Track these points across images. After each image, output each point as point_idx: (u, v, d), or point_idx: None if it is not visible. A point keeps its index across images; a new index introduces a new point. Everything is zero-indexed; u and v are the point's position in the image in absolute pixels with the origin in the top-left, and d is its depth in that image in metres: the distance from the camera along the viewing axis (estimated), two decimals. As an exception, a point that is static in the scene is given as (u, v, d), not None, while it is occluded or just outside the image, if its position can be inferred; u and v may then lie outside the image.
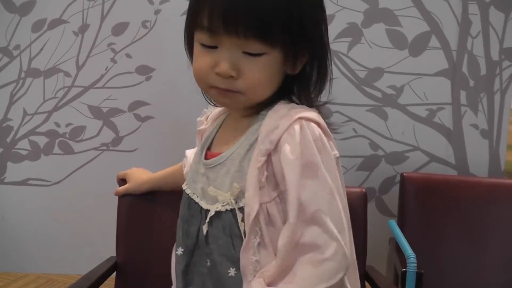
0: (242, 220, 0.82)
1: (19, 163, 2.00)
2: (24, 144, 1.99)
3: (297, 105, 0.84)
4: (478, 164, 1.91)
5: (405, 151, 1.92)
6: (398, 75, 1.89)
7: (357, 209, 1.56)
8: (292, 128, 0.79)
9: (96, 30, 1.92)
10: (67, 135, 1.97)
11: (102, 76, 1.94)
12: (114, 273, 1.31)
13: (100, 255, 1.29)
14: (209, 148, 0.93)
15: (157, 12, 1.90)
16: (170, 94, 1.91)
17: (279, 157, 0.79)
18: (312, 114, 0.81)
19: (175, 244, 0.94)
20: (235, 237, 0.83)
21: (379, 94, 1.90)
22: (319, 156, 0.79)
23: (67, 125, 1.97)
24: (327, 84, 0.88)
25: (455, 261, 1.69)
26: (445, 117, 1.90)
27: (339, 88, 1.86)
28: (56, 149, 1.98)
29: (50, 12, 1.92)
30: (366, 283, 1.37)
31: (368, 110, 1.91)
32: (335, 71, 1.89)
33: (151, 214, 1.18)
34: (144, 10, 1.89)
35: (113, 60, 1.93)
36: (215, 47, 0.81)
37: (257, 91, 0.84)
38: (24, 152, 1.99)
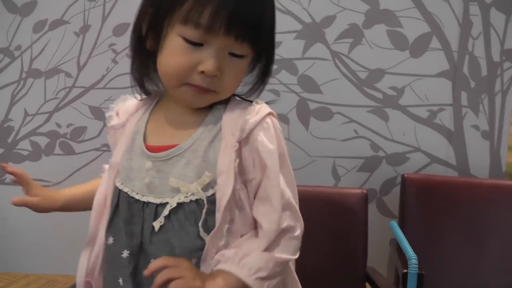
0: (207, 208, 0.82)
1: (20, 163, 1.99)
2: (25, 145, 1.99)
3: (250, 101, 0.89)
4: (479, 165, 1.91)
5: (406, 152, 1.92)
6: (399, 76, 1.89)
7: (358, 211, 1.57)
8: (265, 122, 0.85)
9: (97, 30, 1.92)
10: (68, 136, 1.98)
11: (103, 76, 1.94)
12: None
13: (101, 255, 1.28)
14: (144, 142, 0.89)
15: (158, 13, 1.90)
16: (171, 95, 1.91)
17: (252, 148, 0.84)
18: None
19: (89, 248, 0.92)
20: (200, 226, 0.81)
21: (380, 95, 1.90)
22: (285, 147, 0.87)
23: (68, 125, 1.98)
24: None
25: (456, 262, 1.69)
26: (446, 118, 1.90)
27: (340, 89, 1.88)
28: (57, 150, 1.98)
29: (51, 12, 1.92)
30: (367, 284, 1.38)
31: (369, 111, 1.91)
32: (336, 72, 1.89)
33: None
34: (145, 10, 1.89)
35: (114, 61, 1.93)
36: (200, 45, 0.81)
37: (230, 91, 0.87)
38: (25, 153, 1.99)
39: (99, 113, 1.96)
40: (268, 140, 0.84)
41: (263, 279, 0.79)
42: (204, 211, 0.82)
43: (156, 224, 0.83)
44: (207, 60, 0.80)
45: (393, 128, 1.91)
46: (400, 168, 1.92)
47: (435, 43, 1.86)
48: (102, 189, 0.92)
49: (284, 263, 0.83)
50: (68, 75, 1.95)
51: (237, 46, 0.81)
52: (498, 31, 1.85)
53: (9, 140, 1.99)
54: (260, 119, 0.85)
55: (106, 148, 1.97)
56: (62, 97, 1.96)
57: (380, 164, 1.93)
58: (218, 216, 0.82)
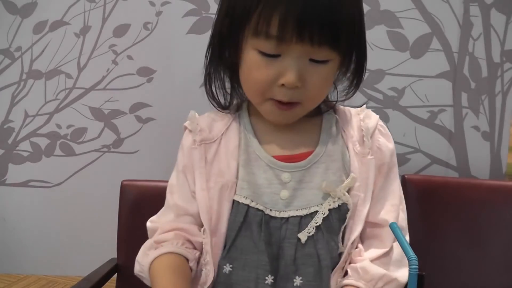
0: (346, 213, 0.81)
1: (20, 164, 2.00)
2: (25, 146, 1.99)
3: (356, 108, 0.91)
4: (480, 166, 1.91)
5: (406, 153, 1.92)
6: (399, 77, 1.88)
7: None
8: (379, 125, 0.89)
9: (97, 31, 1.92)
10: (68, 137, 1.98)
11: (104, 77, 1.94)
12: (115, 275, 1.31)
13: (101, 256, 1.29)
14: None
15: (158, 13, 1.90)
16: (171, 96, 1.91)
17: (374, 150, 0.85)
18: None
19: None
20: (338, 234, 0.81)
21: (380, 96, 1.90)
22: None
23: (69, 126, 1.98)
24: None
25: (456, 264, 1.69)
26: (446, 119, 1.90)
27: (340, 89, 1.87)
28: (57, 151, 1.98)
29: (52, 13, 1.93)
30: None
31: (369, 112, 1.90)
32: (337, 73, 1.89)
33: (152, 216, 1.17)
34: (146, 11, 1.90)
35: (114, 62, 1.93)
36: (277, 56, 0.76)
37: (317, 100, 0.82)
38: (25, 154, 1.99)
39: (99, 114, 1.96)
40: (387, 141, 0.88)
41: None
42: (348, 216, 0.81)
43: (303, 236, 0.80)
44: (286, 72, 0.76)
45: (393, 129, 1.88)
46: (400, 169, 1.88)
47: (435, 44, 1.86)
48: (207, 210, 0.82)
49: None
50: (68, 76, 1.95)
51: (316, 51, 0.75)
52: (499, 32, 1.84)
53: (10, 141, 1.99)
54: (376, 123, 0.88)
55: (106, 149, 1.97)
56: (62, 98, 1.96)
57: (381, 165, 1.92)
58: (358, 222, 0.81)
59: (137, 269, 0.87)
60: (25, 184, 2.00)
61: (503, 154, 1.90)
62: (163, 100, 1.93)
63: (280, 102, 0.79)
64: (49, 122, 1.98)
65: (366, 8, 1.82)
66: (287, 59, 0.76)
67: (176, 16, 1.88)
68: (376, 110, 1.85)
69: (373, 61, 1.87)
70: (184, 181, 0.85)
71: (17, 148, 1.99)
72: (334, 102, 0.89)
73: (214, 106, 0.88)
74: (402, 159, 1.92)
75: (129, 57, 1.93)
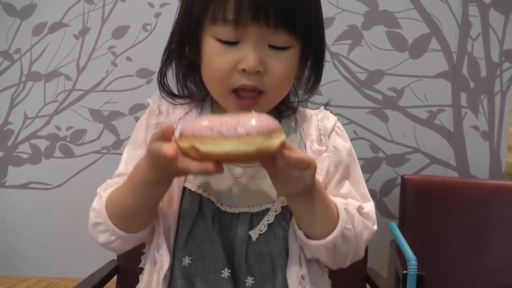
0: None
1: (20, 166, 2.00)
2: (25, 148, 1.99)
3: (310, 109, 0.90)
4: (479, 166, 1.91)
5: (405, 153, 1.92)
6: (398, 77, 1.89)
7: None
8: (336, 126, 0.88)
9: (96, 33, 1.92)
10: (68, 139, 1.98)
11: (103, 79, 1.94)
12: (115, 277, 1.31)
13: (101, 258, 1.29)
14: None
15: (157, 15, 1.90)
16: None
17: (330, 150, 0.85)
18: None
19: (174, 271, 0.81)
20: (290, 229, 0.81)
21: (379, 96, 1.90)
22: None
23: (68, 128, 1.98)
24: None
25: (456, 263, 1.69)
26: (445, 119, 1.90)
27: (339, 90, 1.88)
28: (57, 153, 1.98)
29: (51, 15, 1.93)
30: (367, 285, 1.38)
31: (369, 112, 1.91)
32: (336, 74, 1.90)
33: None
34: (145, 13, 1.90)
35: (113, 64, 1.93)
36: (236, 43, 0.76)
37: (281, 89, 0.80)
38: (25, 156, 1.99)
39: (99, 116, 1.96)
40: (344, 141, 0.87)
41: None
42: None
43: (254, 234, 0.79)
44: (246, 56, 0.75)
45: (392, 129, 1.91)
46: (400, 169, 1.92)
47: (434, 44, 1.86)
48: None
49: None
50: (67, 78, 1.95)
51: (273, 35, 0.75)
52: (497, 32, 1.85)
53: (9, 143, 1.99)
54: (333, 125, 0.87)
55: (105, 151, 1.97)
56: (61, 100, 1.96)
57: (380, 165, 1.93)
58: None
59: (92, 217, 0.86)
60: (25, 186, 2.00)
61: (502, 154, 1.90)
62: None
63: (242, 97, 0.78)
64: (49, 124, 1.98)
65: (364, 8, 1.84)
66: (246, 45, 0.75)
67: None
68: (375, 110, 1.87)
69: (372, 61, 1.88)
70: (139, 155, 0.81)
71: (17, 150, 1.99)
72: (295, 103, 0.88)
73: (171, 97, 0.86)
74: (401, 159, 1.92)
75: (128, 59, 1.93)
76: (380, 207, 1.94)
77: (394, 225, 1.65)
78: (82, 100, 1.96)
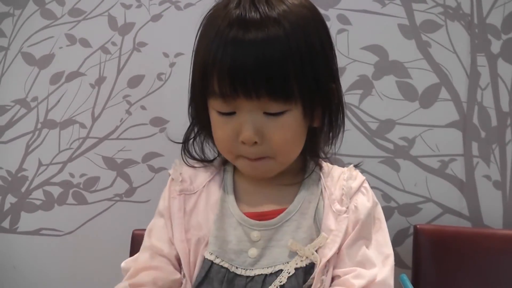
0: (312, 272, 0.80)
1: (32, 212, 2.01)
2: (38, 194, 2.00)
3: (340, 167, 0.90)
4: (492, 216, 1.89)
5: (418, 202, 1.91)
6: (409, 126, 1.90)
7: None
8: (363, 187, 0.87)
9: (112, 82, 1.96)
10: (81, 186, 1.99)
11: (117, 127, 1.97)
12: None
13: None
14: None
15: (172, 64, 1.94)
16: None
17: (352, 210, 0.84)
18: None
19: None
20: None
21: (391, 146, 1.91)
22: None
23: (81, 175, 1.99)
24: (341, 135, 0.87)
25: (471, 314, 1.66)
26: (457, 168, 1.89)
27: (351, 139, 1.89)
28: (70, 199, 1.99)
29: (68, 65, 1.98)
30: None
31: (380, 161, 1.91)
32: (347, 123, 1.89)
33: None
34: (160, 62, 1.94)
35: (128, 112, 1.96)
36: (233, 113, 0.77)
37: (287, 152, 0.81)
38: (38, 202, 2.00)
39: (112, 164, 1.98)
40: (366, 200, 0.87)
41: None
42: (315, 273, 0.79)
43: None
44: (242, 128, 0.76)
45: (404, 179, 1.91)
46: (412, 219, 1.90)
47: (444, 93, 1.88)
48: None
49: None
50: (82, 125, 1.98)
51: (263, 104, 0.75)
52: (506, 82, 1.86)
53: (23, 189, 2.01)
54: (359, 185, 0.87)
55: (118, 198, 1.98)
56: (76, 147, 1.99)
57: (392, 215, 1.92)
58: (326, 279, 0.81)
59: None
60: (36, 232, 2.01)
61: (515, 203, 1.89)
62: (175, 150, 1.94)
63: (250, 159, 0.79)
64: (62, 171, 2.00)
65: (374, 58, 1.87)
66: (241, 115, 0.76)
67: (190, 67, 1.92)
68: (387, 160, 1.88)
69: (383, 111, 1.90)
70: (163, 225, 0.86)
71: (30, 197, 2.01)
72: (320, 158, 0.89)
73: (195, 160, 0.88)
74: (413, 209, 1.91)
75: (143, 107, 1.96)
76: (394, 258, 1.91)
77: (405, 277, 1.62)
78: (96, 148, 1.98)
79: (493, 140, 1.88)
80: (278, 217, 0.82)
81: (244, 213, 0.82)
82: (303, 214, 0.82)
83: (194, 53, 0.84)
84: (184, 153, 0.91)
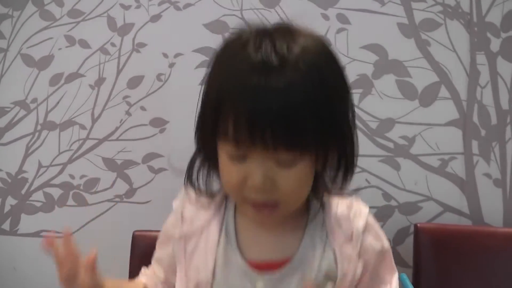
0: None
1: (33, 214, 2.00)
2: (38, 196, 2.00)
3: (348, 199, 0.87)
4: (493, 214, 1.90)
5: (418, 201, 1.91)
6: (409, 125, 1.90)
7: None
8: (368, 224, 0.85)
9: (112, 83, 1.96)
10: (81, 187, 1.99)
11: (117, 128, 1.97)
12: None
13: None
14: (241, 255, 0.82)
15: (171, 65, 1.94)
16: (184, 146, 1.92)
17: (362, 251, 0.83)
18: None
19: None
20: None
21: (391, 145, 1.91)
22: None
23: (82, 177, 1.99)
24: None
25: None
26: (457, 167, 1.90)
27: (351, 139, 1.89)
28: (70, 201, 1.99)
29: (68, 66, 1.97)
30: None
31: (381, 160, 1.91)
32: (347, 122, 1.91)
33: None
34: (159, 63, 1.94)
35: (128, 113, 1.96)
36: (244, 157, 0.74)
37: (295, 200, 0.78)
38: (38, 204, 2.00)
39: (112, 165, 1.98)
40: (375, 240, 0.86)
41: None
42: None
43: None
44: (253, 174, 0.73)
45: (404, 177, 1.91)
46: (413, 218, 1.91)
47: (444, 92, 1.88)
48: None
49: None
50: (82, 127, 1.98)
51: (281, 154, 0.72)
52: (506, 80, 1.87)
53: (23, 191, 2.00)
54: (365, 222, 0.85)
55: (118, 199, 1.98)
56: (76, 148, 1.98)
57: (393, 214, 1.92)
58: None
59: None
60: (37, 234, 2.00)
61: (515, 201, 1.90)
62: (175, 150, 1.95)
63: (257, 204, 0.76)
64: (62, 173, 1.99)
65: (374, 57, 1.87)
66: (252, 162, 0.73)
67: (189, 67, 1.92)
68: (387, 159, 1.88)
69: (383, 110, 1.90)
70: (170, 252, 0.88)
71: (30, 198, 2.01)
72: (323, 195, 0.84)
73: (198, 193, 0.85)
74: (414, 208, 1.91)
75: (142, 108, 1.96)
76: (394, 256, 1.89)
77: (404, 276, 1.64)
78: (96, 149, 1.98)
79: (493, 138, 1.88)
80: (283, 270, 0.80)
81: (248, 261, 0.80)
82: (309, 264, 0.80)
83: (206, 86, 0.80)
84: (189, 185, 0.86)
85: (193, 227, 0.84)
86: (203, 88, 0.81)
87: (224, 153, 0.76)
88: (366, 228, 0.85)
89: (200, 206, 0.85)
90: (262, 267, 0.80)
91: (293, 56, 0.71)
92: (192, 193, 0.85)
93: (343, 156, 0.80)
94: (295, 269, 0.80)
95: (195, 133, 0.84)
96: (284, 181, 0.74)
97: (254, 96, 0.69)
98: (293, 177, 0.74)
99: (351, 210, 0.85)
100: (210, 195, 0.85)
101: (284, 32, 0.75)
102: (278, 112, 0.69)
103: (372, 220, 0.87)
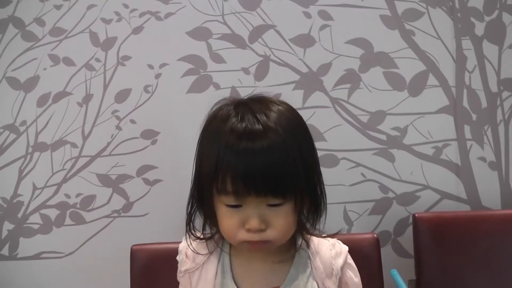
0: None
1: (31, 237, 1.99)
2: (35, 218, 1.98)
3: (328, 238, 1.03)
4: (490, 197, 1.90)
5: (415, 191, 1.92)
6: (400, 116, 1.90)
7: (370, 255, 1.56)
8: (348, 260, 1.01)
9: (99, 99, 1.95)
10: (77, 206, 1.98)
11: (108, 144, 1.96)
12: None
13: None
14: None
15: (157, 76, 1.93)
16: (177, 156, 1.92)
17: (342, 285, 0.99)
18: None
19: None
20: None
21: (383, 137, 1.91)
22: None
23: (77, 195, 1.98)
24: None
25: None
26: (451, 153, 1.90)
27: (343, 134, 1.90)
28: (68, 220, 1.98)
29: (54, 85, 1.95)
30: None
31: (375, 153, 1.91)
32: (338, 118, 1.91)
33: (165, 278, 1.18)
34: (145, 75, 1.93)
35: (118, 127, 1.95)
36: (240, 206, 0.90)
37: (285, 236, 0.93)
38: (35, 226, 1.99)
39: (107, 180, 1.97)
40: (354, 275, 1.01)
41: None
42: None
43: None
44: (249, 219, 0.89)
45: (400, 168, 1.91)
46: (411, 208, 1.91)
47: (432, 80, 1.88)
48: None
49: None
50: (73, 145, 1.97)
51: (270, 199, 0.89)
52: (493, 62, 1.87)
53: (19, 215, 1.99)
54: (345, 260, 1.00)
55: (116, 214, 1.97)
56: (69, 167, 1.97)
57: (391, 206, 1.92)
58: None
59: None
60: (37, 256, 1.99)
61: (512, 182, 1.90)
62: (169, 161, 1.94)
63: (253, 242, 0.92)
64: (58, 193, 1.98)
65: (360, 51, 1.87)
66: (248, 208, 0.89)
67: (175, 76, 1.92)
68: (381, 151, 1.88)
69: (372, 103, 1.90)
70: None
71: (27, 222, 1.99)
72: (308, 236, 1.00)
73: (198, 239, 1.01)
74: (411, 198, 1.92)
75: (132, 121, 1.95)
76: (396, 248, 1.92)
77: (395, 272, 1.64)
78: (89, 166, 1.97)
79: (484, 121, 1.89)
80: None
81: None
82: None
83: (200, 156, 0.96)
84: (189, 234, 1.02)
85: (194, 263, 1.00)
86: (195, 160, 0.97)
87: (222, 204, 0.91)
88: (345, 265, 1.00)
89: (200, 247, 1.01)
90: None
91: (272, 123, 0.89)
92: (192, 237, 1.02)
93: (314, 200, 0.96)
94: None
95: (192, 195, 0.98)
96: (274, 220, 0.90)
97: (245, 157, 0.87)
98: (281, 216, 0.90)
99: (333, 249, 1.00)
100: (207, 238, 1.01)
101: (259, 101, 0.94)
102: (265, 167, 0.87)
103: (350, 259, 1.02)
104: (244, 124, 0.89)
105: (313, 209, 0.97)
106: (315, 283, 0.96)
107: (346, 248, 1.02)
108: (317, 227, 1.00)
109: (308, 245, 1.00)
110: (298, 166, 0.90)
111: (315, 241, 1.02)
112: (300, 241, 1.00)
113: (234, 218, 0.91)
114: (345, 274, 0.99)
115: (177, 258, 1.04)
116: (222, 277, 0.98)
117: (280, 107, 0.94)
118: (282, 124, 0.90)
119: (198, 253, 1.01)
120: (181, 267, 1.02)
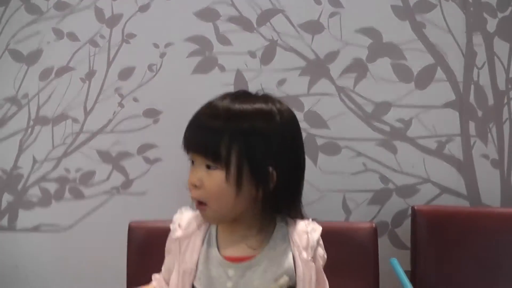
0: None
1: (30, 210, 1.99)
2: (34, 191, 1.99)
3: (304, 220, 1.09)
4: (490, 194, 1.90)
5: (416, 183, 1.91)
6: (405, 108, 1.89)
7: (367, 244, 1.57)
8: (320, 239, 1.09)
9: (103, 75, 1.94)
10: (77, 181, 1.98)
11: (110, 121, 1.95)
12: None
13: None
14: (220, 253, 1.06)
15: (162, 55, 1.92)
16: (178, 136, 1.91)
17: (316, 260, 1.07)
18: None
19: None
20: None
21: (387, 128, 1.90)
22: None
23: (77, 170, 1.98)
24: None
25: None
26: (454, 148, 1.89)
27: (347, 123, 1.89)
28: (67, 195, 1.98)
29: (57, 60, 1.94)
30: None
31: (377, 144, 1.90)
32: (342, 107, 1.90)
33: (162, 255, 1.18)
34: (150, 53, 1.91)
35: (120, 105, 1.94)
36: (193, 163, 1.01)
37: (216, 201, 1.00)
38: (35, 199, 1.99)
39: (107, 157, 1.96)
40: (322, 250, 1.09)
41: None
42: None
43: None
44: (190, 175, 1.01)
45: (402, 160, 1.91)
46: (410, 200, 1.91)
47: (439, 74, 1.87)
48: None
49: None
50: (75, 120, 1.96)
51: (208, 160, 0.98)
52: (503, 60, 1.85)
53: (19, 187, 1.99)
54: (319, 237, 1.08)
55: (115, 191, 1.97)
56: (69, 142, 1.97)
57: (391, 197, 1.92)
58: None
59: None
60: (35, 229, 2.00)
61: (513, 181, 1.90)
62: (170, 140, 1.92)
63: (194, 201, 1.02)
64: (58, 167, 1.98)
65: (368, 41, 1.86)
66: (195, 166, 1.00)
67: (180, 56, 1.90)
68: (384, 142, 1.87)
69: (378, 93, 1.89)
70: (169, 261, 1.11)
71: (27, 194, 2.00)
72: (285, 216, 1.08)
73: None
74: (411, 190, 1.91)
75: (135, 99, 1.94)
76: (393, 239, 1.93)
77: (395, 261, 1.65)
78: (90, 142, 1.97)
79: (490, 119, 1.88)
80: (248, 261, 1.03)
81: (224, 257, 1.04)
82: (271, 260, 1.03)
83: None
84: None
85: (186, 233, 1.08)
86: None
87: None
88: (318, 241, 1.08)
89: (192, 218, 1.09)
90: (234, 259, 1.04)
91: (236, 109, 0.99)
92: (187, 209, 1.11)
93: (285, 177, 1.01)
94: (260, 261, 1.03)
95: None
96: (206, 181, 0.99)
97: (194, 127, 1.01)
98: (214, 180, 0.98)
99: (308, 226, 1.08)
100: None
101: (244, 95, 1.05)
102: (202, 136, 0.99)
103: (320, 238, 1.09)
104: (218, 102, 1.02)
105: (291, 190, 1.04)
106: (291, 254, 1.04)
107: (320, 227, 1.09)
108: (302, 213, 1.07)
109: (287, 223, 1.08)
110: (234, 144, 0.97)
111: (292, 220, 1.09)
112: (280, 222, 1.07)
113: (190, 174, 1.01)
114: (317, 249, 1.08)
115: (170, 226, 1.11)
116: (208, 246, 1.06)
117: (260, 106, 1.02)
118: (243, 111, 1.00)
119: (189, 224, 1.09)
120: (173, 235, 1.09)
